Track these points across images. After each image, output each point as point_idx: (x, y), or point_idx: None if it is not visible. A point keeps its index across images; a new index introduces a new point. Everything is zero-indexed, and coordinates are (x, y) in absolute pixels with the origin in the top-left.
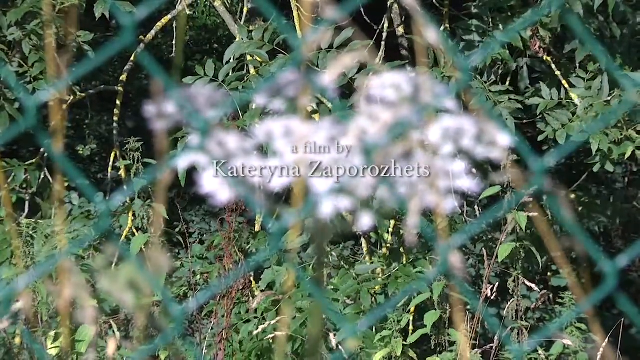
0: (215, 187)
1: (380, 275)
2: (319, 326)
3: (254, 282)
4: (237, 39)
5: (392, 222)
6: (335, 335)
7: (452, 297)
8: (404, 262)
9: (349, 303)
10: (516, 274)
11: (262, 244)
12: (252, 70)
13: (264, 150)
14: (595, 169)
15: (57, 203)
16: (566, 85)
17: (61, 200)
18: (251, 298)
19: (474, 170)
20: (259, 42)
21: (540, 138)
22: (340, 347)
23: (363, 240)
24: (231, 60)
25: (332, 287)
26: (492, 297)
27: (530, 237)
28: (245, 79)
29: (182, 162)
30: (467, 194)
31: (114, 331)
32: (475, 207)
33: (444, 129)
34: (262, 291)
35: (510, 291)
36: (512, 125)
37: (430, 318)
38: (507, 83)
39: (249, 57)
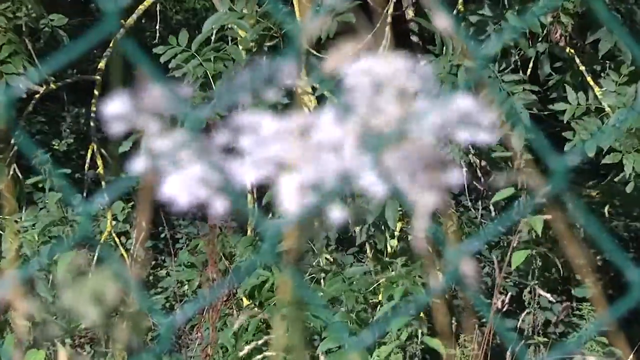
0: (175, 190)
1: (378, 279)
2: (301, 335)
3: (240, 293)
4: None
5: (399, 225)
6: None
7: (464, 309)
8: (406, 263)
9: (340, 310)
10: (533, 283)
11: (250, 250)
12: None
13: (232, 148)
14: (629, 189)
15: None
16: (591, 83)
17: (32, 201)
18: (236, 311)
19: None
20: (239, 13)
21: (567, 148)
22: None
23: (367, 247)
24: (212, 35)
25: (319, 292)
26: (507, 309)
27: (549, 243)
28: (222, 50)
29: (139, 164)
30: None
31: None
32: (492, 208)
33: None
34: (245, 307)
35: (527, 303)
36: (527, 119)
37: (432, 342)
38: (528, 72)
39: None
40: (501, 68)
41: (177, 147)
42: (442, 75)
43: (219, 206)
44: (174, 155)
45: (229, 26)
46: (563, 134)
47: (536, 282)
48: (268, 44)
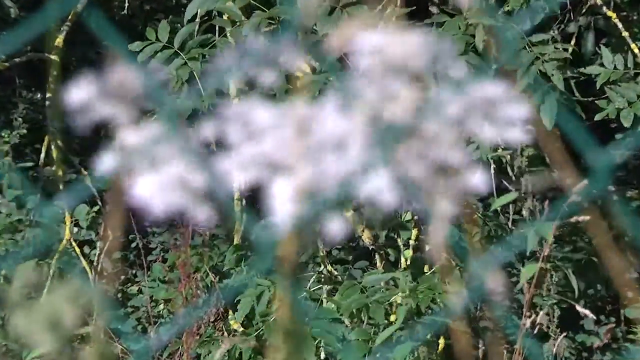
0: (150, 193)
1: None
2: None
3: (231, 313)
4: None
5: (414, 232)
6: None
7: (492, 331)
8: (426, 272)
9: (353, 326)
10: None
11: (238, 262)
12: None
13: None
14: None
15: None
16: (636, 50)
17: None
18: (225, 334)
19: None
20: None
21: (597, 117)
22: None
23: (377, 258)
24: (197, 22)
25: (333, 304)
26: (544, 331)
27: (587, 253)
28: (211, 44)
29: (106, 162)
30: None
31: None
32: (525, 213)
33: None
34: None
35: (570, 323)
36: (561, 82)
37: None
38: (569, 50)
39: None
40: (527, 27)
41: (152, 142)
42: (456, 37)
43: (202, 212)
44: (148, 152)
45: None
46: (595, 100)
47: (576, 299)
48: (265, 29)
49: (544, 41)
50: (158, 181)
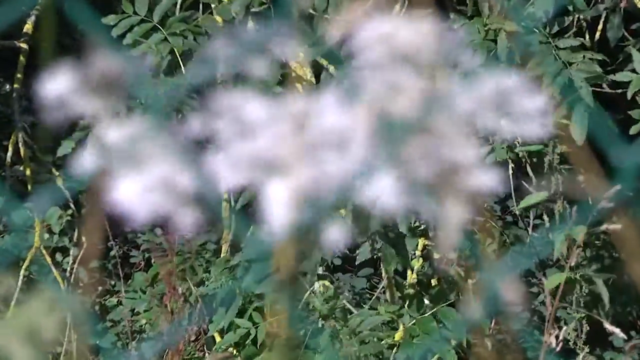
0: (132, 196)
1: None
2: None
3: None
4: None
5: (421, 241)
6: None
7: (509, 348)
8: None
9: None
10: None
11: (226, 274)
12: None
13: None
14: None
15: None
16: None
17: None
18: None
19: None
20: None
21: (633, 130)
22: None
23: (383, 270)
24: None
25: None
26: (569, 348)
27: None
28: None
29: (84, 162)
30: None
31: None
32: (546, 218)
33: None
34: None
35: (597, 339)
36: (589, 96)
37: None
38: (597, 36)
39: None
40: (555, 31)
41: (135, 139)
42: (476, 42)
43: (189, 217)
44: (131, 149)
45: None
46: (629, 112)
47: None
48: (254, 9)
49: (572, 47)
50: (141, 182)
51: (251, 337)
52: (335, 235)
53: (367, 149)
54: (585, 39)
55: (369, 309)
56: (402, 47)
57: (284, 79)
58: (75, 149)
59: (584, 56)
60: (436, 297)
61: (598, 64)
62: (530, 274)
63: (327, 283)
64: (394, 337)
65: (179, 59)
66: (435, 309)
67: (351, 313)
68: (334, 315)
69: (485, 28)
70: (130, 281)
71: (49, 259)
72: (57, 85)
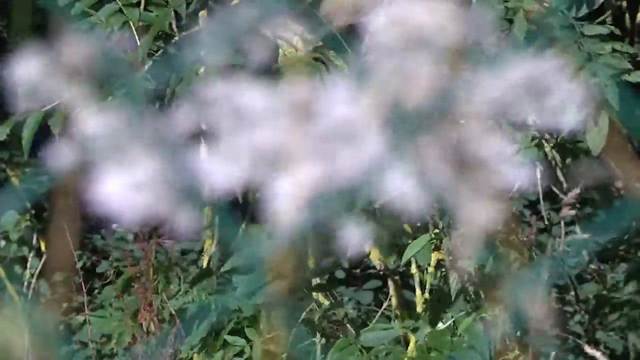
0: (109, 197)
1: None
2: None
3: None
4: None
5: (435, 255)
6: None
7: None
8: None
9: None
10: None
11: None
12: None
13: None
14: None
15: None
16: None
17: None
18: None
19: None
20: None
21: None
22: None
23: (390, 283)
24: None
25: None
26: None
27: None
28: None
29: (52, 160)
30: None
31: None
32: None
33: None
34: None
35: None
36: (615, 96)
37: None
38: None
39: None
40: (584, 13)
41: (111, 130)
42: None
43: (176, 222)
44: (106, 144)
45: None
46: None
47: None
48: None
49: (601, 36)
50: (125, 179)
51: (245, 356)
52: (351, 238)
53: (380, 143)
54: (623, 24)
55: (378, 323)
56: (417, 30)
57: (278, 66)
58: (40, 135)
59: (612, 48)
60: (450, 310)
61: (630, 58)
62: (564, 288)
63: (322, 299)
64: (406, 353)
65: (136, 35)
66: (450, 321)
67: (358, 328)
68: (337, 331)
69: (503, 4)
70: (99, 295)
71: (2, 272)
72: (24, 69)
